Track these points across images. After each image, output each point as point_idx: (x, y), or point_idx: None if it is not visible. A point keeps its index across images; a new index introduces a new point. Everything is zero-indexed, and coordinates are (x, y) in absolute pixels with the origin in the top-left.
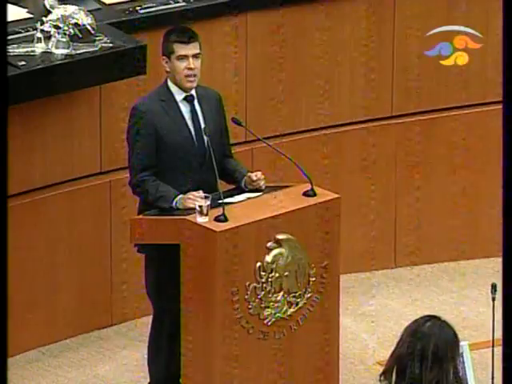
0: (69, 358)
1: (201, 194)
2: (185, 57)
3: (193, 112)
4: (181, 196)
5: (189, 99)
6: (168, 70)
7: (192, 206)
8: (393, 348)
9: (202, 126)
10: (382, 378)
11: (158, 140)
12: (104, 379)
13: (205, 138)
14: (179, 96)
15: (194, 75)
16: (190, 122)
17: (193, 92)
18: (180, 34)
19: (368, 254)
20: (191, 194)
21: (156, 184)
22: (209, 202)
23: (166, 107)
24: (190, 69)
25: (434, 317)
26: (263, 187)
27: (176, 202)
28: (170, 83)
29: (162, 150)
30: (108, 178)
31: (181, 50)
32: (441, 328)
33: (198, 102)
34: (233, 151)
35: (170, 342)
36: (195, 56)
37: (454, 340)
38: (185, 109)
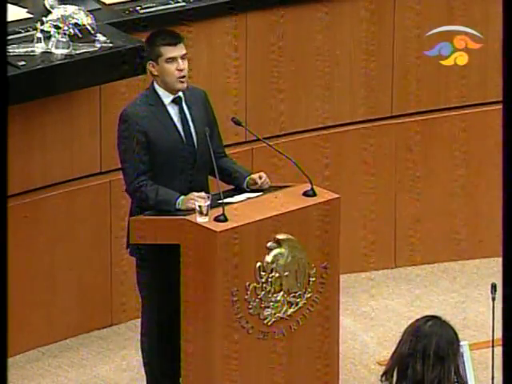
0: (69, 358)
1: (202, 194)
2: (174, 59)
3: (181, 114)
4: (182, 197)
5: (177, 101)
6: (156, 74)
7: (194, 207)
8: (393, 348)
9: (192, 127)
10: (383, 379)
11: (149, 144)
12: (104, 379)
13: (195, 139)
14: (167, 99)
15: (184, 76)
16: (179, 125)
17: (180, 94)
18: (166, 37)
19: (368, 254)
20: (193, 195)
21: (155, 188)
22: (209, 202)
23: (155, 111)
24: (180, 70)
25: (435, 317)
26: (267, 186)
27: (178, 204)
28: (156, 87)
29: (152, 154)
30: (108, 178)
31: (169, 52)
32: (441, 327)
33: (186, 103)
34: (233, 151)
35: (162, 341)
36: (183, 57)
37: (454, 339)
38: (173, 111)
